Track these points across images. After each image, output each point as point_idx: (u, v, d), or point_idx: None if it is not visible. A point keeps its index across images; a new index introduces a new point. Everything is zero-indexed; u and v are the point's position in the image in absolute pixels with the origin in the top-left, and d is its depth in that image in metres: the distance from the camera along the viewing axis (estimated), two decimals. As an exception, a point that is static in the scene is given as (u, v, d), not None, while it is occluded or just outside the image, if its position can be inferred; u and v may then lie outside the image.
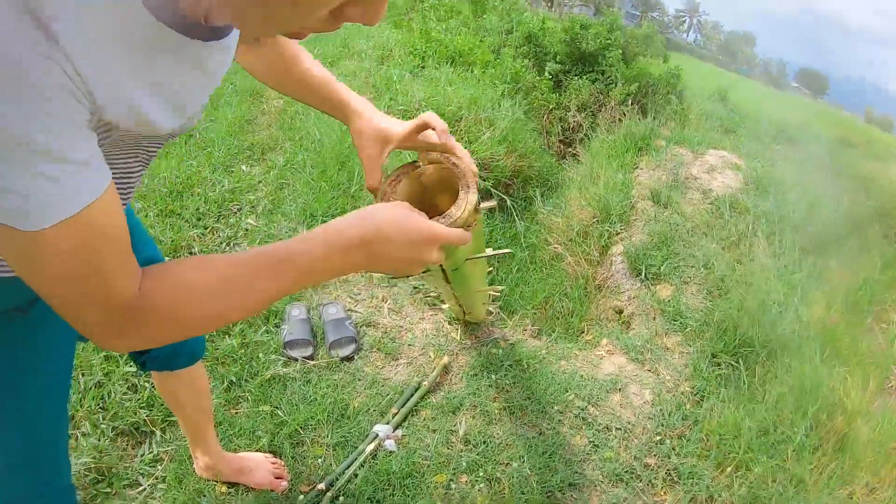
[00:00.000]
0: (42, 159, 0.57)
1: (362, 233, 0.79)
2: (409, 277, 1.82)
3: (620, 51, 7.47)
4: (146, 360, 1.44)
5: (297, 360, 2.32)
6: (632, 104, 6.51)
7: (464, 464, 2.00)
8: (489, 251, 1.56)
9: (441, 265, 1.23)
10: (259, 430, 2.03)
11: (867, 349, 3.23)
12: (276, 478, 1.90)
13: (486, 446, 2.07)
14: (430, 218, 0.87)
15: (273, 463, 1.94)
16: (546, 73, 7.02)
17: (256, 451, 1.99)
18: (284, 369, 2.27)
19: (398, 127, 1.12)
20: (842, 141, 8.89)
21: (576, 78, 7.13)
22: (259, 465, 1.90)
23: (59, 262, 0.62)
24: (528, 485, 1.95)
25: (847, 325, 3.33)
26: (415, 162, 1.05)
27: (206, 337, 2.30)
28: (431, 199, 1.07)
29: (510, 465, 2.02)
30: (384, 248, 0.81)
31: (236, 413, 2.12)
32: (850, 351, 3.09)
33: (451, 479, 1.96)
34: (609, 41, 7.41)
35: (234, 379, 2.20)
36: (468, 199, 0.96)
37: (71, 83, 0.57)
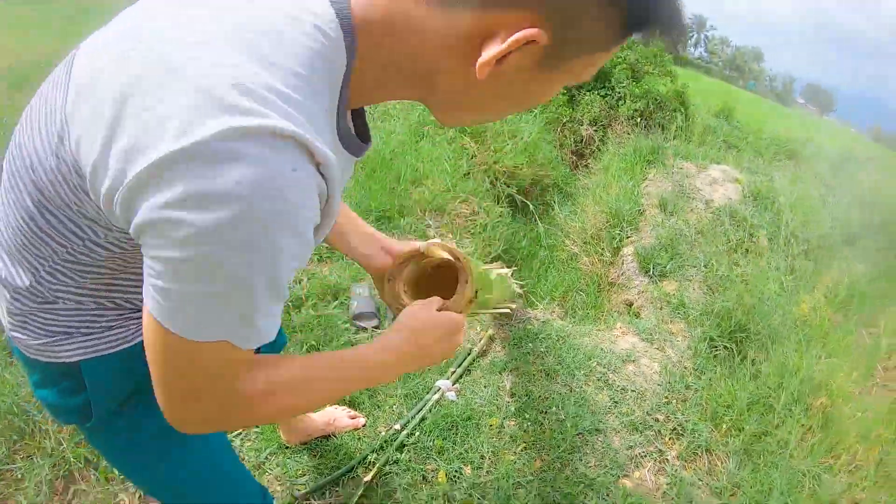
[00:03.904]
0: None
1: (408, 334, 0.97)
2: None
3: (630, 69, 7.92)
4: None
5: (366, 329, 2.79)
6: (640, 119, 6.96)
7: (512, 410, 2.49)
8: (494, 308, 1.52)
9: None
10: (340, 384, 2.49)
11: (854, 345, 3.66)
12: (352, 418, 2.34)
13: (529, 398, 2.55)
14: (431, 295, 1.08)
15: (344, 409, 2.36)
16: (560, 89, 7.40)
17: (337, 404, 2.42)
18: (356, 336, 2.74)
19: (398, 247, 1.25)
20: (845, 157, 9.05)
21: (588, 93, 7.56)
22: (338, 414, 2.32)
23: (210, 362, 0.70)
24: (563, 427, 2.43)
25: (832, 323, 3.76)
26: (419, 251, 1.16)
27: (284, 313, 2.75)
28: (430, 280, 1.19)
29: (548, 412, 2.50)
30: (426, 340, 0.98)
31: (318, 373, 2.57)
32: (837, 345, 3.53)
33: (503, 422, 2.44)
34: (619, 59, 7.84)
35: (313, 343, 2.65)
36: (465, 291, 1.08)
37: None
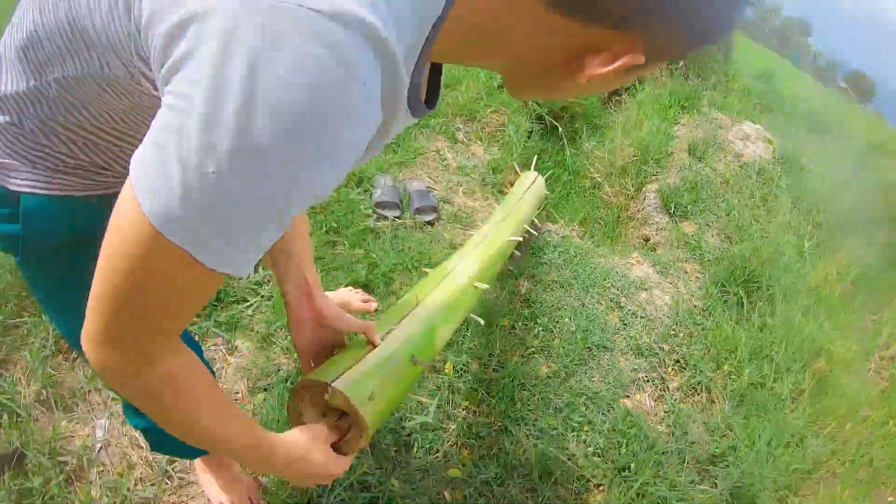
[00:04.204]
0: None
1: (289, 450, 0.95)
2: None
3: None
4: None
5: (387, 218, 2.76)
6: (680, 64, 6.78)
7: (525, 314, 2.49)
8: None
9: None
10: (357, 267, 2.47)
11: (856, 325, 3.67)
12: (364, 302, 2.30)
13: (542, 306, 2.54)
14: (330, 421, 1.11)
15: (357, 292, 2.33)
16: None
17: (352, 284, 2.39)
18: (377, 223, 2.72)
19: (337, 320, 1.21)
20: (876, 147, 8.92)
21: (629, 32, 7.29)
22: (351, 297, 2.29)
23: (161, 281, 0.61)
24: (573, 339, 2.44)
25: (840, 298, 3.75)
26: (324, 384, 1.11)
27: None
28: (331, 409, 1.16)
29: (560, 322, 2.50)
30: (299, 466, 0.97)
31: (334, 252, 2.55)
32: (841, 321, 3.52)
33: (514, 325, 2.43)
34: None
35: (333, 224, 2.62)
36: (358, 443, 1.12)
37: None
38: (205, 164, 0.52)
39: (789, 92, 9.50)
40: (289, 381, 2.02)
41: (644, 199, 4.07)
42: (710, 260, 3.37)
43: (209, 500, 1.73)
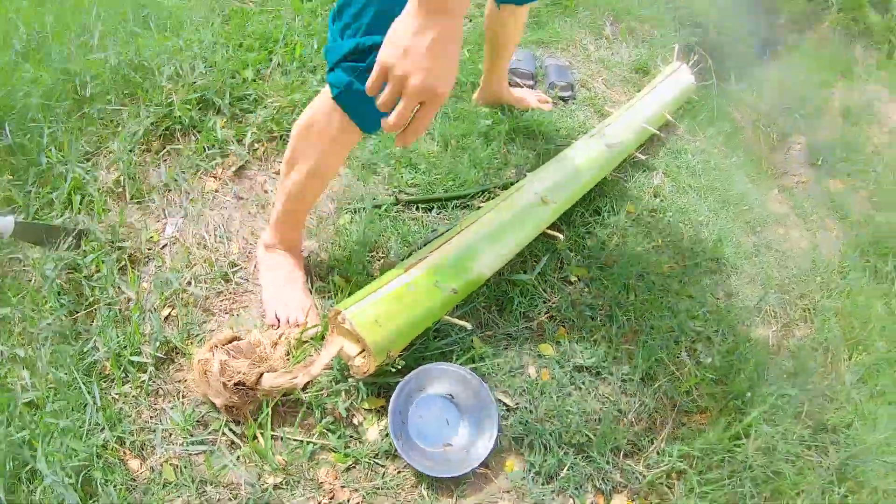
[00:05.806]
0: None
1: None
2: None
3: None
4: None
5: (520, 86, 2.50)
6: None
7: (654, 205, 2.22)
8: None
9: None
10: (481, 119, 2.27)
11: None
12: (542, 101, 2.46)
13: (673, 203, 2.27)
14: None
15: (536, 92, 2.52)
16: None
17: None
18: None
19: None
20: None
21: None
22: (528, 94, 2.44)
23: None
24: (703, 246, 2.16)
25: None
26: (337, 311, 1.34)
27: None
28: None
29: (690, 223, 2.23)
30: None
31: (459, 106, 2.33)
32: None
33: (641, 213, 2.17)
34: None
35: (461, 79, 2.38)
36: (373, 363, 1.33)
37: None
38: None
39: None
40: (383, 208, 1.81)
41: (788, 149, 3.68)
42: (854, 221, 2.98)
43: (265, 310, 1.58)
